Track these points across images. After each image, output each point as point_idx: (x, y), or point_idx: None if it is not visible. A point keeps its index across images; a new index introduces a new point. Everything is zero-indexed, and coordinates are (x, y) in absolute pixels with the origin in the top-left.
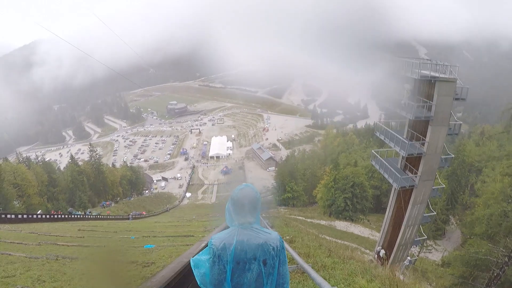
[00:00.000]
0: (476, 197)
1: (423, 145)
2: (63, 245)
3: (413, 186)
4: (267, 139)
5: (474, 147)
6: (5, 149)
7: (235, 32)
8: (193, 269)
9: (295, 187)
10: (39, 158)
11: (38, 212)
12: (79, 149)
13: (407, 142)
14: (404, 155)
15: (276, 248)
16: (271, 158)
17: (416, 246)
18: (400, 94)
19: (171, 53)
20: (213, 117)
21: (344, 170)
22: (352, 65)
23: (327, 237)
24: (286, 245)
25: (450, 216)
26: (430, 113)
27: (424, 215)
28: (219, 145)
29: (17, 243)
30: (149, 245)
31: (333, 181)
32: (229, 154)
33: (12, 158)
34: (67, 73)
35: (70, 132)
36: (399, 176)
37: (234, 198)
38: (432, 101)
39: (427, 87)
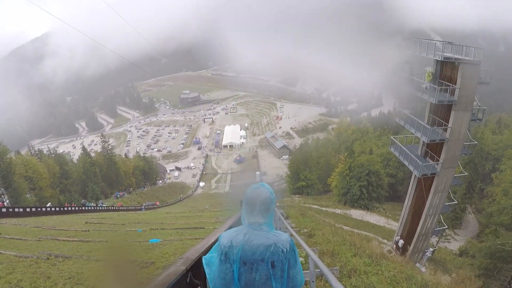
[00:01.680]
0: (493, 185)
1: (445, 131)
2: (63, 240)
3: (435, 173)
4: (280, 127)
5: (491, 136)
6: (18, 143)
7: (247, 22)
8: (204, 268)
9: (309, 175)
10: (51, 150)
11: (48, 205)
12: (92, 141)
13: (429, 127)
14: (426, 141)
15: (285, 251)
16: (284, 146)
17: (436, 236)
18: (421, 77)
19: (184, 42)
20: (226, 106)
21: (359, 158)
22: (368, 50)
23: (344, 227)
24: (305, 246)
25: (467, 205)
26: (453, 97)
27: (445, 204)
28: (232, 134)
29: (17, 239)
30: (155, 239)
31: (348, 169)
32: (243, 143)
33: (24, 151)
34: (79, 64)
35: (83, 124)
36: (421, 163)
37: (247, 197)
38: (455, 85)
39: (450, 70)
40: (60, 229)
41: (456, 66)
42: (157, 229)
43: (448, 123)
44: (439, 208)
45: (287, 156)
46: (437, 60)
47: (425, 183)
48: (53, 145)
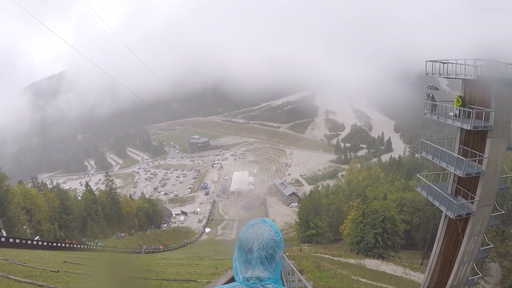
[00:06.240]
0: None
1: (480, 163)
2: (14, 279)
3: (470, 214)
4: (289, 174)
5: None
6: (27, 175)
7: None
8: None
9: (319, 223)
10: (55, 185)
11: (35, 238)
12: (100, 179)
13: (464, 159)
14: (461, 175)
15: None
16: (293, 193)
17: (469, 287)
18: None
19: (195, 88)
20: (235, 152)
21: (373, 204)
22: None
23: (361, 279)
24: None
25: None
26: (489, 122)
27: (480, 248)
28: (241, 180)
29: None
30: None
31: (362, 215)
32: (251, 189)
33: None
34: (92, 102)
35: (92, 162)
36: (455, 202)
37: (241, 239)
38: (488, 108)
39: (481, 91)
40: (28, 266)
41: (489, 86)
42: (139, 278)
43: (483, 154)
44: (474, 254)
45: (296, 204)
46: (466, 82)
47: (457, 225)
48: (60, 180)
